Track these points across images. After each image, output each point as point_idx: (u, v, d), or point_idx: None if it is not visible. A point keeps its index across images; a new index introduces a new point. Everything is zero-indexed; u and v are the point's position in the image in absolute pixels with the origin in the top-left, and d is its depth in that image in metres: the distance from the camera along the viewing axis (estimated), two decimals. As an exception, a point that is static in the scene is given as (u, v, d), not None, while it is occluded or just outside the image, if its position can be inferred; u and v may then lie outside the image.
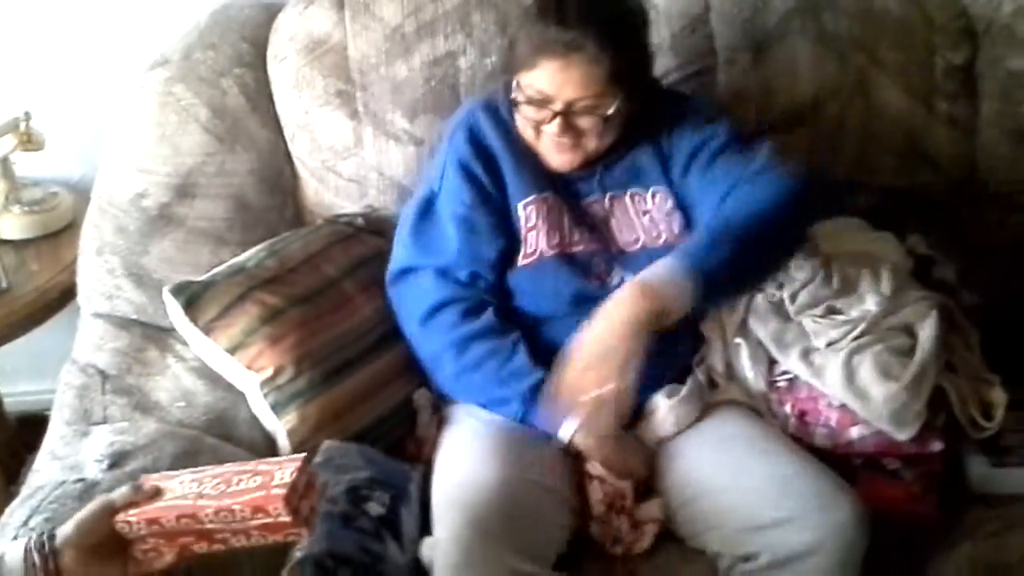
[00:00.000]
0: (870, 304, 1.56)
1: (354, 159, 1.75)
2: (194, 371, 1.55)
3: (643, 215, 1.55)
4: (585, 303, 1.40)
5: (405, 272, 1.56)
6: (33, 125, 1.85)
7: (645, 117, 1.52)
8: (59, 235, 1.90)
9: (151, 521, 1.02)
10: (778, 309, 1.60)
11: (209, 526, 1.00)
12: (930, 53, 1.81)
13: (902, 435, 1.45)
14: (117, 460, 1.31)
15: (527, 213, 1.52)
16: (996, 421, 1.51)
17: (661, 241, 1.53)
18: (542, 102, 1.43)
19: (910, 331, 1.54)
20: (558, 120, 1.42)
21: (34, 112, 1.85)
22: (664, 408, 1.48)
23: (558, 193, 1.54)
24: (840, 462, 1.45)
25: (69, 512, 1.19)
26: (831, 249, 1.65)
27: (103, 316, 1.64)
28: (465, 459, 1.39)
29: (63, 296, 1.78)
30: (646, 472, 1.45)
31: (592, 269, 1.52)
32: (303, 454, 1.06)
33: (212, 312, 1.50)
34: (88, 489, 1.24)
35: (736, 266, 1.37)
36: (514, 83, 1.45)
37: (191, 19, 1.80)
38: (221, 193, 1.68)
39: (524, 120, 1.48)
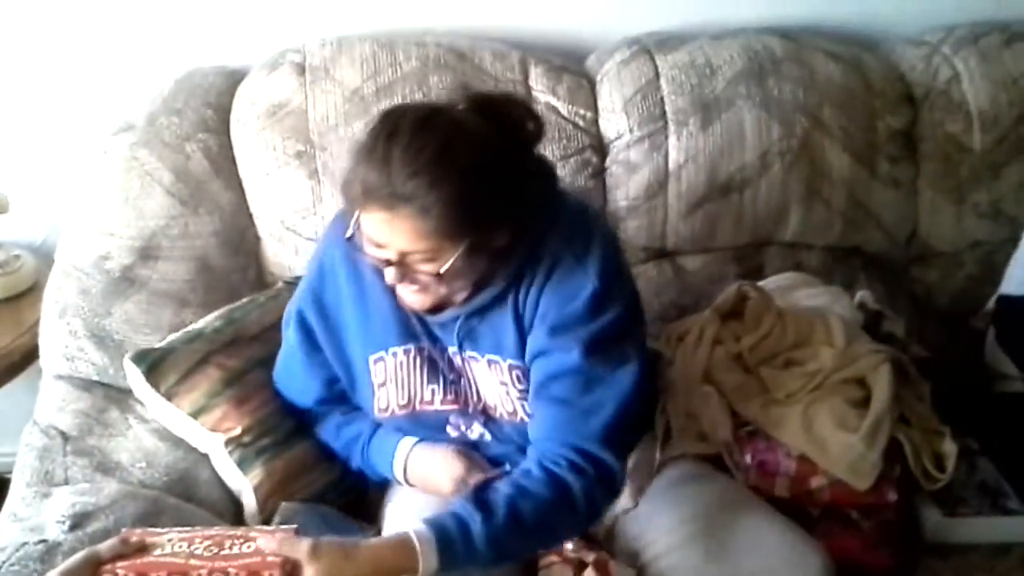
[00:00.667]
0: (825, 357, 1.60)
1: (313, 218, 1.78)
2: (155, 432, 1.55)
3: (500, 384, 1.40)
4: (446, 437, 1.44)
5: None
6: (-4, 189, 1.87)
7: (506, 271, 1.34)
8: (21, 298, 1.90)
9: (140, 574, 1.03)
10: (738, 361, 1.64)
11: None
12: (872, 117, 1.88)
13: (860, 485, 1.48)
14: (79, 521, 1.30)
15: (375, 369, 1.43)
16: (948, 472, 1.54)
17: (518, 419, 1.41)
18: (377, 246, 1.27)
19: (863, 383, 1.58)
20: (393, 269, 1.27)
21: (-3, 176, 1.87)
22: None
23: (415, 342, 1.41)
24: (798, 511, 1.48)
25: (31, 573, 1.20)
26: (784, 304, 1.70)
27: (65, 378, 1.64)
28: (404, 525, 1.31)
29: (24, 359, 1.78)
30: None
31: (448, 424, 1.45)
32: (294, 526, 1.11)
33: (173, 378, 1.51)
34: (50, 550, 1.24)
35: (492, 557, 1.23)
36: (355, 219, 1.29)
37: (156, 86, 1.83)
38: (184, 255, 1.70)
39: (368, 260, 1.32)
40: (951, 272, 1.97)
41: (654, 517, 1.44)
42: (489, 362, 1.39)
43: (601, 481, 1.29)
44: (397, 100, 1.76)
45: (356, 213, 1.27)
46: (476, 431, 1.44)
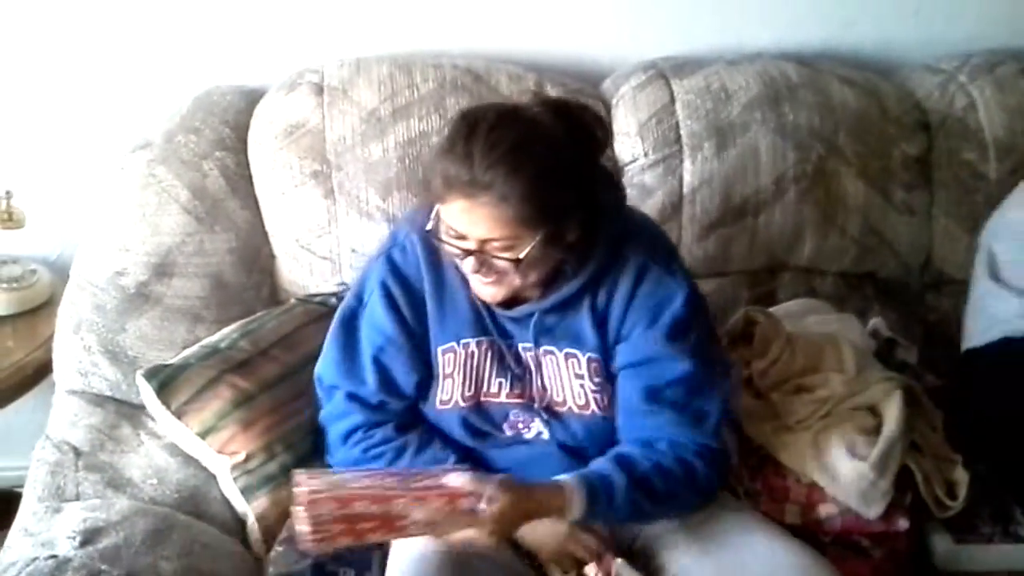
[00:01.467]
0: (836, 384, 1.60)
1: (328, 237, 1.79)
2: (166, 448, 1.55)
3: (576, 378, 1.45)
4: (497, 441, 1.45)
5: (324, 386, 1.52)
6: (14, 203, 1.87)
7: (588, 268, 1.40)
8: (36, 312, 1.90)
9: (343, 503, 1.17)
10: (748, 385, 1.64)
11: (399, 512, 1.19)
12: (887, 144, 1.89)
13: (870, 513, 1.48)
14: (89, 537, 1.30)
15: (444, 360, 1.45)
16: (960, 500, 1.54)
17: (588, 412, 1.45)
18: (457, 237, 1.33)
19: (874, 411, 1.58)
20: (471, 259, 1.32)
21: (15, 191, 1.88)
22: None
23: (486, 335, 1.45)
24: (810, 538, 1.47)
25: (40, 588, 1.20)
26: (795, 329, 1.70)
27: (78, 393, 1.64)
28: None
29: (37, 373, 1.79)
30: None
31: (507, 419, 1.46)
32: (467, 465, 1.32)
33: (184, 396, 1.51)
34: (60, 566, 1.24)
35: (627, 515, 1.38)
36: (434, 212, 1.36)
37: (174, 104, 1.85)
38: (199, 272, 1.71)
39: (447, 251, 1.38)
40: (964, 300, 1.96)
41: (668, 535, 1.45)
42: (567, 355, 1.44)
43: (719, 468, 1.43)
44: (414, 122, 1.77)
45: (436, 208, 1.34)
46: (533, 430, 1.46)
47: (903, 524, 1.50)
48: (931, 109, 1.94)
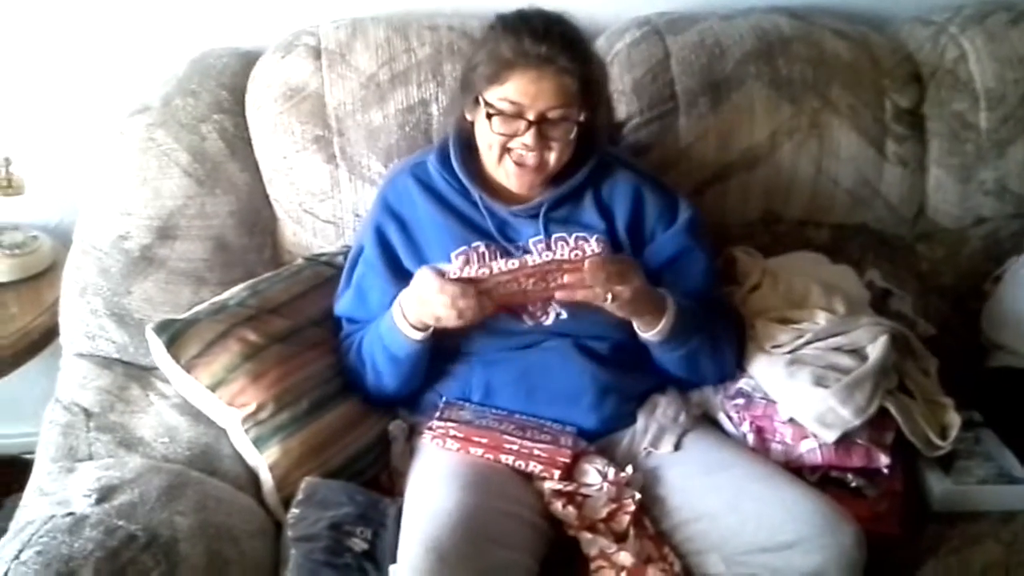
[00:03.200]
0: (821, 319, 1.64)
1: (331, 201, 1.80)
2: (176, 408, 1.57)
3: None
4: (517, 339, 1.53)
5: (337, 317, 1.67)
6: (13, 170, 1.88)
7: (587, 166, 1.59)
8: (39, 278, 1.91)
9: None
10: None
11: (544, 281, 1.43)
12: (880, 96, 1.91)
13: (827, 437, 1.51)
14: (105, 495, 1.32)
15: (459, 260, 1.56)
16: (950, 440, 1.58)
17: None
18: (515, 114, 1.48)
19: (860, 355, 1.60)
20: (532, 130, 1.48)
21: (14, 158, 1.89)
22: (642, 421, 1.58)
23: (493, 240, 1.59)
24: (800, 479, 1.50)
25: (59, 545, 1.22)
26: (791, 277, 1.73)
27: (86, 356, 1.66)
28: (429, 489, 1.42)
29: (44, 338, 1.80)
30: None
31: (525, 309, 1.57)
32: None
33: (194, 349, 1.53)
34: (77, 523, 1.26)
35: (695, 348, 1.57)
36: (478, 101, 1.51)
37: (170, 67, 1.85)
38: (201, 235, 1.72)
39: (491, 138, 1.52)
40: (956, 249, 2.00)
41: (688, 480, 1.49)
42: (577, 238, 1.59)
43: (740, 352, 1.64)
44: (413, 88, 1.79)
45: (481, 96, 1.50)
46: (551, 314, 1.57)
47: (883, 460, 1.53)
48: (922, 61, 1.96)
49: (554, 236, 1.59)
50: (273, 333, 1.58)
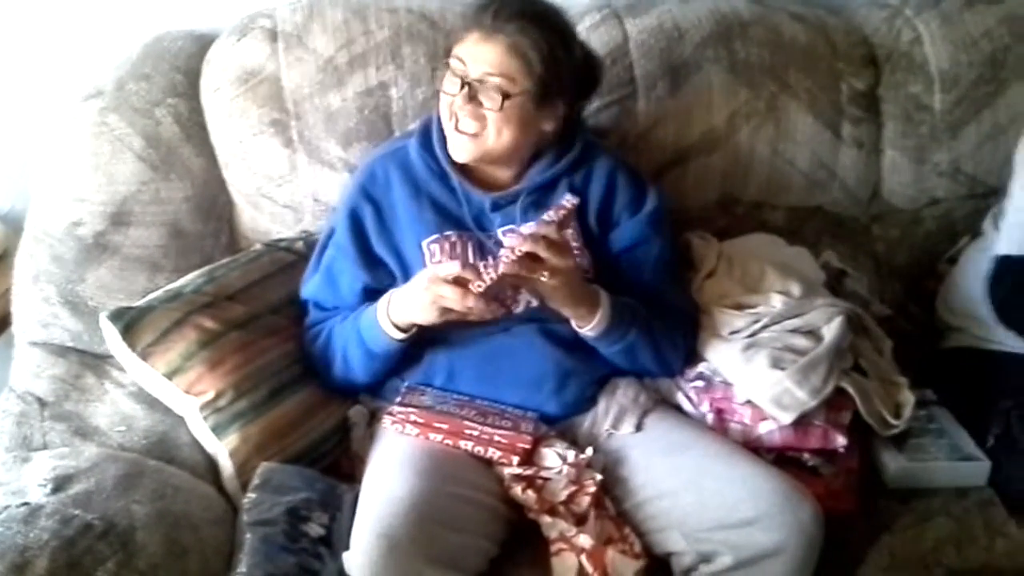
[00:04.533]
0: (776, 302, 1.65)
1: (289, 186, 1.79)
2: (132, 396, 1.56)
3: None
4: (485, 324, 1.50)
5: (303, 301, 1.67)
6: (-37, 157, 1.85)
7: (569, 155, 1.60)
8: (-10, 266, 1.89)
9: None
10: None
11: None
12: (836, 79, 1.92)
13: (784, 419, 1.53)
14: (60, 484, 1.31)
15: (431, 250, 1.57)
16: (904, 419, 1.61)
17: None
18: (459, 74, 1.50)
19: (816, 336, 1.62)
20: (464, 91, 1.49)
21: (-36, 144, 1.86)
22: (603, 403, 1.59)
23: (465, 230, 1.59)
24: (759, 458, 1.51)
25: (14, 536, 1.21)
26: (748, 260, 1.74)
27: (39, 344, 1.64)
28: (384, 475, 1.42)
29: (-5, 326, 1.78)
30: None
31: (495, 298, 1.52)
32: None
33: (149, 337, 1.51)
34: (33, 513, 1.24)
35: (633, 342, 1.56)
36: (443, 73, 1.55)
37: (124, 51, 1.82)
38: (156, 221, 1.70)
39: (444, 99, 1.54)
40: (911, 230, 2.02)
41: (649, 459, 1.51)
42: None
43: (692, 342, 1.64)
44: (372, 71, 1.77)
45: (445, 64, 1.54)
46: (522, 302, 1.58)
47: (840, 441, 1.55)
48: (878, 43, 1.97)
49: (526, 225, 1.57)
50: (230, 320, 1.57)
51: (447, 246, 1.57)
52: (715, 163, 1.88)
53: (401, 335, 1.51)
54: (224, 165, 1.78)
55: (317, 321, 1.63)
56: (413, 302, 1.48)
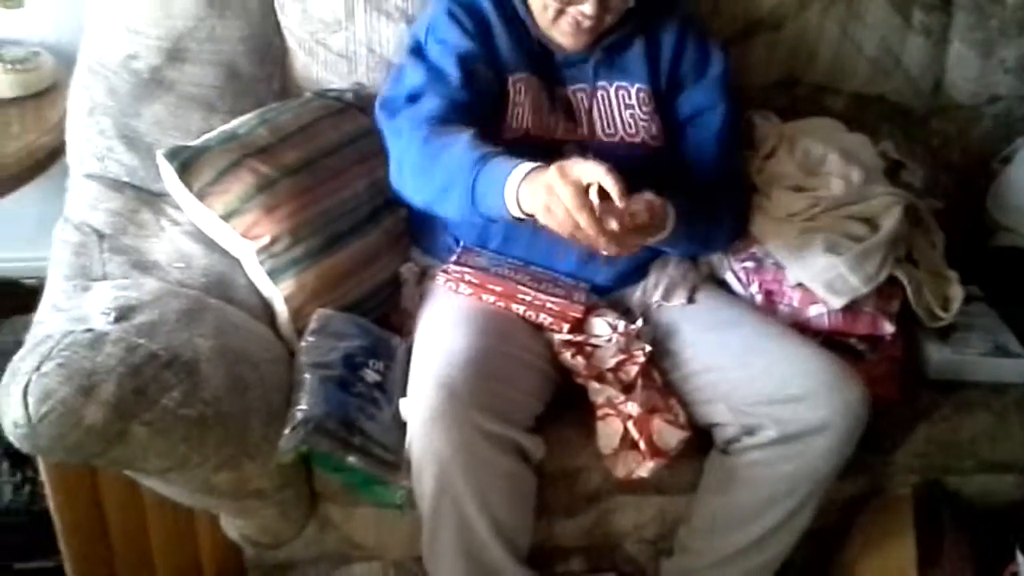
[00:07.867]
0: (836, 187, 1.64)
1: (344, 33, 1.74)
2: (189, 235, 1.55)
3: (625, 109, 1.57)
4: None
5: (389, 107, 1.52)
6: (12, -20, 1.80)
7: (640, 15, 1.55)
8: (41, 97, 1.85)
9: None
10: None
11: None
12: (911, -38, 1.86)
13: (835, 303, 1.54)
14: (124, 314, 1.30)
15: (516, 88, 1.53)
16: (952, 312, 1.62)
17: (638, 139, 1.57)
18: None
19: (872, 224, 1.62)
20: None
21: (12, -32, 1.80)
22: (654, 276, 1.60)
23: (545, 77, 1.55)
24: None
25: (81, 360, 1.21)
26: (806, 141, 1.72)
27: (95, 177, 1.62)
28: (441, 330, 1.43)
29: (47, 158, 1.75)
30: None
31: (561, 156, 1.47)
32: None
33: (206, 178, 1.50)
34: (98, 339, 1.24)
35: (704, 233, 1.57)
36: None
37: None
38: (211, 60, 1.66)
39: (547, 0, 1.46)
40: (969, 126, 1.99)
41: (697, 335, 1.52)
42: (618, 88, 1.58)
43: (745, 216, 1.64)
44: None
45: None
46: None
47: (888, 328, 1.56)
48: (959, -70, 1.91)
49: (598, 84, 1.57)
50: (285, 165, 1.54)
51: (531, 89, 1.53)
52: (782, 40, 1.84)
53: (520, 215, 1.27)
54: (280, 7, 1.73)
55: (426, 120, 1.42)
56: (539, 198, 1.22)
